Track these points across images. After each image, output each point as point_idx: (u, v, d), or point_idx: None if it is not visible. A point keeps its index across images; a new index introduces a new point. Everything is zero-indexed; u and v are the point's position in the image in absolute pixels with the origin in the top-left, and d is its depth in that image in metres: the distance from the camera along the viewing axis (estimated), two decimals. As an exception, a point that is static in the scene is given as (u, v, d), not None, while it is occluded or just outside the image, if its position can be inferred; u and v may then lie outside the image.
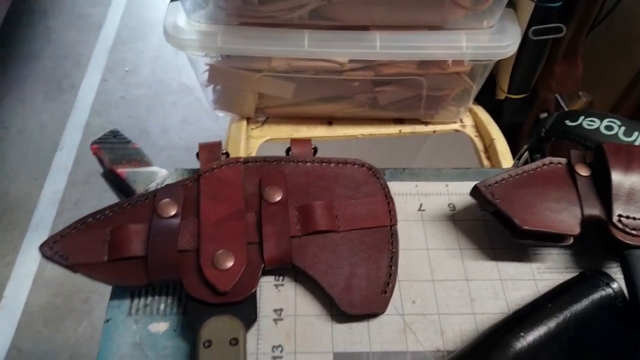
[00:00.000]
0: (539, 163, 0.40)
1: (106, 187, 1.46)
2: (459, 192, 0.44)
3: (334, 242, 0.38)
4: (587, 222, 0.38)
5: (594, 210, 0.38)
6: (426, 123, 0.75)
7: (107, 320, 0.36)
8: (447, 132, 0.75)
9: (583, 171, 0.39)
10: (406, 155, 0.92)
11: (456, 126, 0.75)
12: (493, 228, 0.42)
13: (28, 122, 1.58)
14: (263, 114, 0.74)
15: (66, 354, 1.17)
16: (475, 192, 0.39)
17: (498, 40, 0.61)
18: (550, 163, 0.40)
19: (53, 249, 0.36)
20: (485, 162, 0.71)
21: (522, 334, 0.31)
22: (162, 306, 0.37)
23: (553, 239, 0.37)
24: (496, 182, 0.39)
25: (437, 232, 0.42)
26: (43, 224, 1.37)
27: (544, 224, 0.37)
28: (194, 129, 1.58)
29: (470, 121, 0.75)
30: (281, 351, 0.35)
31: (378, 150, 0.87)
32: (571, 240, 0.37)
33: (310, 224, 0.38)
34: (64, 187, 1.44)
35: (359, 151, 0.87)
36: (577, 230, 0.37)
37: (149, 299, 0.37)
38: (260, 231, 0.38)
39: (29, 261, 1.30)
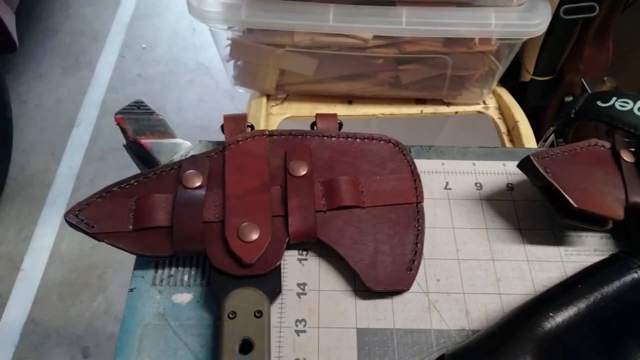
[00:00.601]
0: (584, 143, 0.38)
1: (122, 164, 1.48)
2: (486, 171, 0.43)
3: (359, 218, 0.38)
4: (630, 209, 0.37)
5: (639, 197, 0.37)
6: (448, 104, 0.74)
7: (132, 290, 0.36)
8: (469, 113, 0.74)
9: (628, 157, 0.38)
10: (426, 136, 0.91)
11: (479, 108, 0.73)
12: (520, 208, 0.41)
13: (45, 97, 1.58)
14: (283, 91, 0.74)
15: (81, 328, 1.19)
16: (526, 163, 0.38)
17: (528, 18, 0.59)
18: (596, 145, 0.39)
19: (78, 217, 0.36)
20: (508, 145, 0.69)
21: (551, 314, 0.30)
22: (185, 277, 0.37)
23: (596, 222, 0.37)
24: (547, 156, 0.37)
25: (463, 211, 0.41)
26: (59, 199, 1.38)
27: (593, 204, 0.36)
28: (210, 109, 1.57)
29: (493, 103, 0.74)
30: (304, 325, 0.35)
31: (397, 131, 0.86)
32: (611, 225, 0.36)
33: (335, 199, 0.38)
34: (80, 163, 1.45)
35: (377, 131, 0.86)
36: (621, 215, 0.36)
37: (173, 269, 0.37)
38: (285, 204, 0.37)
39: (46, 235, 1.32)
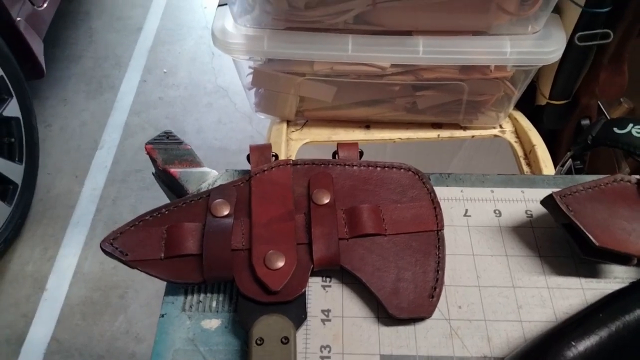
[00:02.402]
0: (609, 178, 0.39)
1: (143, 185, 1.52)
2: (505, 199, 0.44)
3: (381, 246, 0.39)
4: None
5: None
6: (465, 128, 0.75)
7: (163, 315, 0.38)
8: (485, 137, 0.75)
9: (654, 192, 0.39)
10: (442, 160, 0.92)
11: (495, 131, 0.74)
12: (540, 235, 0.42)
13: (70, 120, 1.63)
14: (302, 117, 0.76)
15: (103, 348, 1.21)
16: (549, 201, 0.39)
17: (543, 45, 0.61)
18: (621, 180, 0.40)
19: (113, 245, 0.37)
20: (525, 169, 0.70)
21: (573, 343, 0.31)
22: (214, 303, 0.38)
23: (620, 260, 0.37)
24: (570, 194, 0.38)
25: (483, 238, 0.42)
26: (83, 219, 1.42)
27: (616, 243, 0.36)
28: (228, 130, 1.60)
29: (510, 127, 0.75)
30: (329, 351, 0.36)
31: (413, 154, 0.87)
32: (635, 262, 0.37)
33: (357, 227, 0.39)
34: (103, 184, 1.48)
35: (393, 155, 0.87)
36: None
37: (202, 296, 0.39)
38: (309, 232, 0.39)
39: (69, 256, 1.35)
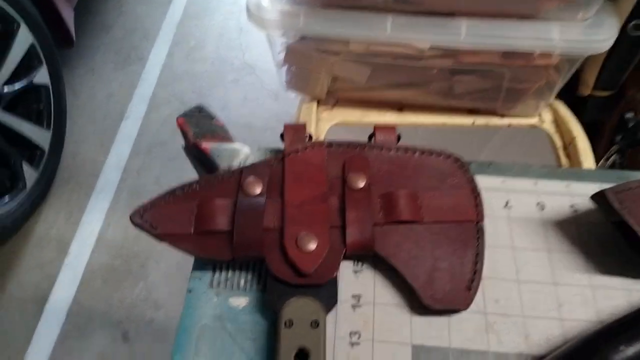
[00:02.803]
0: None
1: (167, 157, 1.52)
2: (549, 191, 0.42)
3: (417, 233, 0.37)
4: None
5: None
6: (502, 116, 0.72)
7: (190, 291, 0.37)
8: (523, 126, 0.72)
9: None
10: (473, 148, 0.89)
11: (534, 121, 0.72)
12: (585, 230, 0.40)
13: (97, 90, 1.64)
14: (333, 97, 0.74)
15: (122, 314, 1.23)
16: (600, 197, 0.36)
17: (593, 34, 0.57)
18: None
19: (143, 218, 0.37)
20: (564, 161, 0.67)
21: (621, 347, 0.29)
22: (242, 281, 0.37)
23: None
24: (624, 190, 0.36)
25: (524, 231, 0.40)
26: (107, 188, 1.43)
27: None
28: (254, 107, 1.59)
29: (549, 116, 0.72)
30: (358, 338, 0.35)
31: (443, 139, 0.85)
32: None
33: (393, 213, 0.38)
34: (127, 155, 1.49)
35: (423, 138, 0.85)
36: None
37: (230, 273, 0.38)
38: (342, 216, 0.37)
39: (92, 222, 1.37)
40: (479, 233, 0.38)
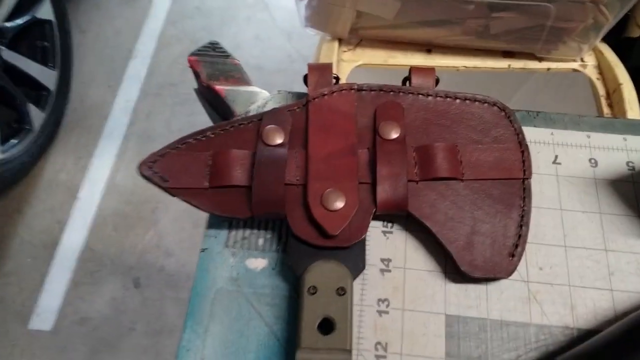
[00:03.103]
0: None
1: (178, 100, 1.46)
2: (603, 146, 0.37)
3: (456, 192, 0.33)
4: None
5: None
6: (540, 59, 0.66)
7: (203, 250, 0.34)
8: (563, 71, 0.66)
9: None
10: (503, 92, 0.83)
11: (575, 65, 0.65)
12: (642, 193, 0.35)
13: (104, 27, 1.57)
14: (356, 36, 0.68)
15: (133, 259, 1.23)
16: None
17: (657, -36, 0.50)
18: None
19: (152, 169, 0.33)
20: (606, 110, 0.62)
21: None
22: (260, 241, 0.34)
23: None
24: None
25: (574, 190, 0.36)
26: (116, 131, 1.40)
27: None
28: (266, 48, 1.52)
29: (592, 60, 0.65)
30: (387, 305, 0.32)
31: (469, 82, 0.79)
32: None
33: (430, 169, 0.33)
34: (136, 97, 1.44)
35: (448, 83, 0.79)
36: None
37: (247, 231, 0.34)
38: (373, 171, 0.33)
39: (102, 167, 1.35)
40: (526, 192, 0.34)
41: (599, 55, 0.66)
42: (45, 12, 1.25)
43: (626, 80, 0.62)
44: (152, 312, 1.16)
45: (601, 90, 0.63)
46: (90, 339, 1.13)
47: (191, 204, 0.33)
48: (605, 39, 0.67)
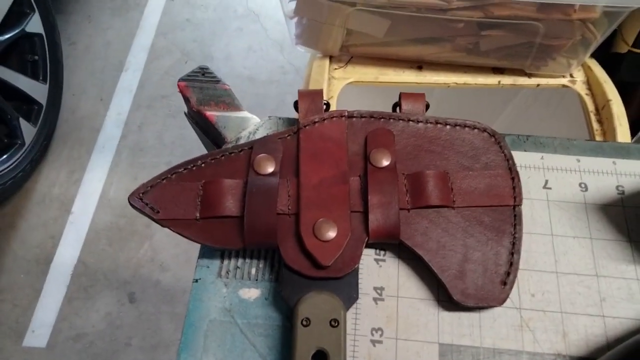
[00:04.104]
0: None
1: (169, 112, 1.45)
2: (593, 170, 0.38)
3: (448, 219, 0.34)
4: None
5: None
6: (530, 75, 0.66)
7: (196, 280, 0.34)
8: (552, 87, 0.66)
9: None
10: (492, 109, 0.84)
11: (565, 81, 0.66)
12: (632, 216, 0.36)
13: (94, 39, 1.56)
14: (347, 53, 0.68)
15: (128, 273, 1.23)
16: None
17: (642, -16, 0.51)
18: None
19: (143, 200, 0.33)
20: (595, 126, 0.62)
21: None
22: (253, 270, 0.34)
23: None
24: None
25: (565, 215, 0.36)
26: (108, 144, 1.39)
27: None
28: (258, 59, 1.52)
29: (581, 76, 0.66)
30: (381, 335, 0.32)
31: (459, 99, 0.79)
32: None
33: (421, 197, 0.34)
34: (128, 109, 1.44)
35: (440, 99, 0.80)
36: None
37: (240, 261, 0.34)
38: (365, 199, 0.33)
39: (95, 180, 1.34)
40: (516, 220, 0.34)
41: (587, 71, 0.66)
42: (34, 25, 1.24)
43: (615, 96, 0.62)
44: (147, 327, 1.15)
45: (590, 106, 0.64)
46: (86, 355, 1.12)
47: (182, 235, 0.32)
48: (593, 55, 0.68)
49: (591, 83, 0.65)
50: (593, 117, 0.63)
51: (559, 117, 0.72)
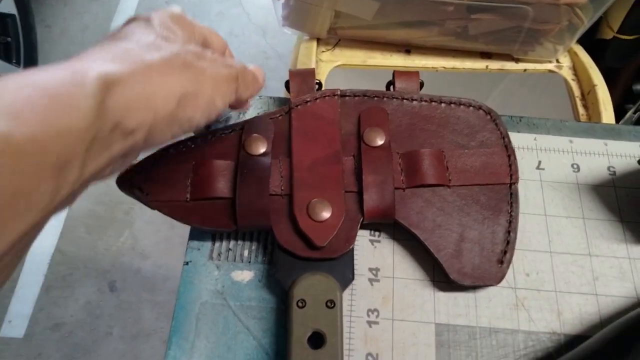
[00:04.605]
0: None
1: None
2: (585, 151, 0.38)
3: (443, 198, 0.33)
4: None
5: None
6: (517, 60, 0.66)
7: (187, 263, 0.33)
8: (539, 72, 0.67)
9: None
10: (479, 92, 0.84)
11: (551, 66, 0.66)
12: (623, 196, 0.36)
13: (70, 22, 1.52)
14: (334, 36, 0.67)
15: (108, 262, 1.20)
16: None
17: (631, -33, 0.51)
18: None
19: (132, 182, 0.31)
20: (581, 111, 0.63)
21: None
22: (245, 252, 0.33)
23: None
24: None
25: (558, 196, 0.36)
26: (86, 130, 1.35)
27: None
28: (240, 44, 1.49)
29: (567, 62, 0.66)
30: (377, 316, 0.32)
31: (447, 83, 0.79)
32: None
33: (416, 175, 0.33)
34: (106, 94, 1.40)
35: (426, 85, 0.79)
36: None
37: (232, 243, 0.33)
38: (359, 179, 0.33)
39: (72, 167, 1.30)
40: (513, 198, 0.34)
41: (574, 56, 0.67)
42: (7, 5, 1.20)
43: (600, 82, 0.63)
44: (128, 315, 1.13)
45: (576, 91, 0.64)
46: (65, 344, 1.10)
47: (173, 217, 0.31)
48: (579, 41, 0.68)
49: (577, 68, 0.66)
50: (579, 102, 0.63)
51: (545, 102, 0.73)
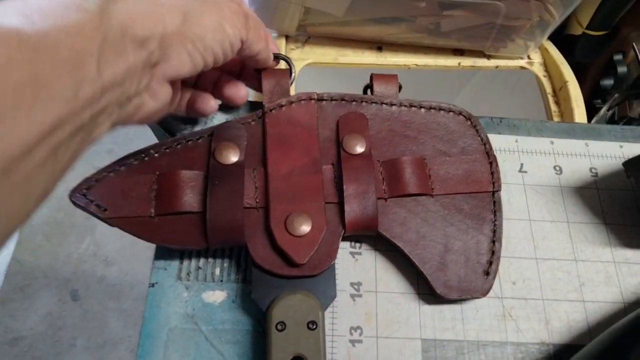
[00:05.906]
0: None
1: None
2: (567, 152, 0.37)
3: (426, 208, 0.32)
4: None
5: None
6: (489, 57, 0.66)
7: (153, 285, 0.30)
8: (511, 68, 0.66)
9: None
10: (449, 90, 0.83)
11: (523, 63, 0.66)
12: (606, 198, 0.35)
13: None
14: (304, 33, 0.64)
15: (69, 270, 1.14)
16: (636, 164, 0.31)
17: (601, -36, 0.51)
18: None
19: (87, 197, 0.29)
20: (553, 107, 0.63)
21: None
22: (217, 270, 0.31)
23: None
24: None
25: (542, 200, 0.35)
26: (42, 132, 1.28)
27: None
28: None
29: (538, 58, 0.66)
30: (360, 334, 0.30)
31: (414, 80, 0.78)
32: None
33: (399, 185, 0.31)
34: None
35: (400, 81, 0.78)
36: None
37: (202, 261, 0.31)
38: (339, 189, 0.31)
39: (28, 171, 1.23)
40: (496, 206, 0.32)
41: (545, 53, 0.66)
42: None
43: (572, 78, 0.63)
44: (93, 325, 1.08)
45: (548, 88, 0.64)
46: (24, 359, 1.04)
47: (136, 235, 0.29)
48: (549, 37, 0.68)
49: (548, 65, 0.65)
50: (551, 99, 0.63)
51: (516, 98, 0.72)
